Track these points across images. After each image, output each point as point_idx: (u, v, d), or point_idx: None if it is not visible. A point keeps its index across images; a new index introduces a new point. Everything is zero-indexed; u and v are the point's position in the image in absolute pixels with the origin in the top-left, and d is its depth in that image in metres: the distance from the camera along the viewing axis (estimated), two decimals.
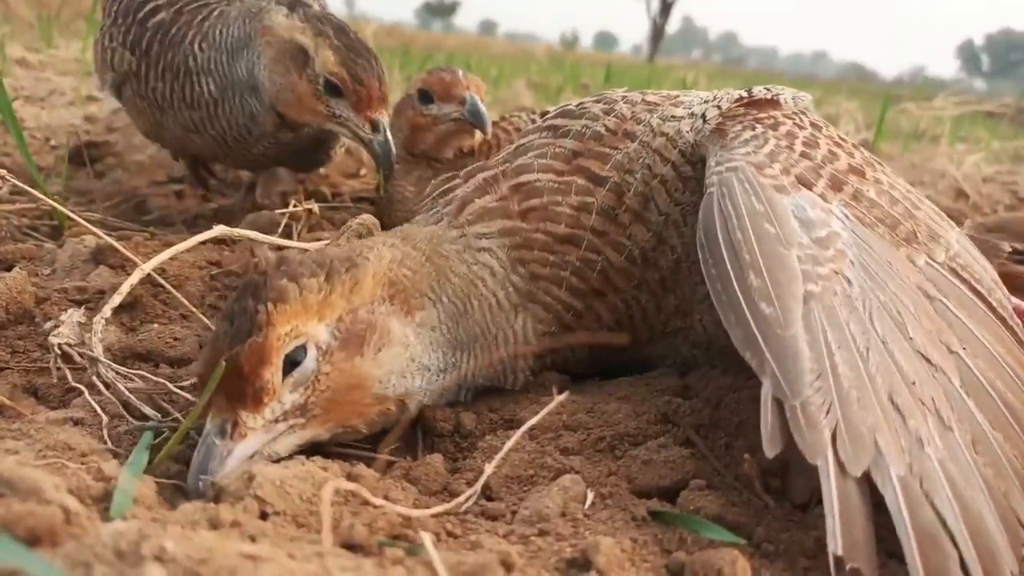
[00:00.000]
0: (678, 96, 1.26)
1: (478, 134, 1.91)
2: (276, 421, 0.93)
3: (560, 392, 1.18)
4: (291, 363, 0.93)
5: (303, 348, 0.94)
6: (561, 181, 1.15)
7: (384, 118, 1.67)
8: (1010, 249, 1.77)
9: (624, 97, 1.25)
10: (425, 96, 1.90)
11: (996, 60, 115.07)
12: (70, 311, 1.20)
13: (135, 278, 1.22)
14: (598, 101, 1.26)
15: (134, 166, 2.57)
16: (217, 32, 1.73)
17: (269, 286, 0.94)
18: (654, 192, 1.15)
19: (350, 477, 0.90)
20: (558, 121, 1.24)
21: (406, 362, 1.03)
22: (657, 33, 33.55)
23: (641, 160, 1.16)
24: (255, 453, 0.92)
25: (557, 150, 1.18)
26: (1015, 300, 1.59)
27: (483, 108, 1.85)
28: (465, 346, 1.10)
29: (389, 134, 1.66)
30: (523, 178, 1.16)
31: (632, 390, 1.16)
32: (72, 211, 1.88)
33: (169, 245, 1.65)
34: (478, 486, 0.93)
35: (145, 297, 1.44)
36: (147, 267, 1.23)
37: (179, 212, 2.10)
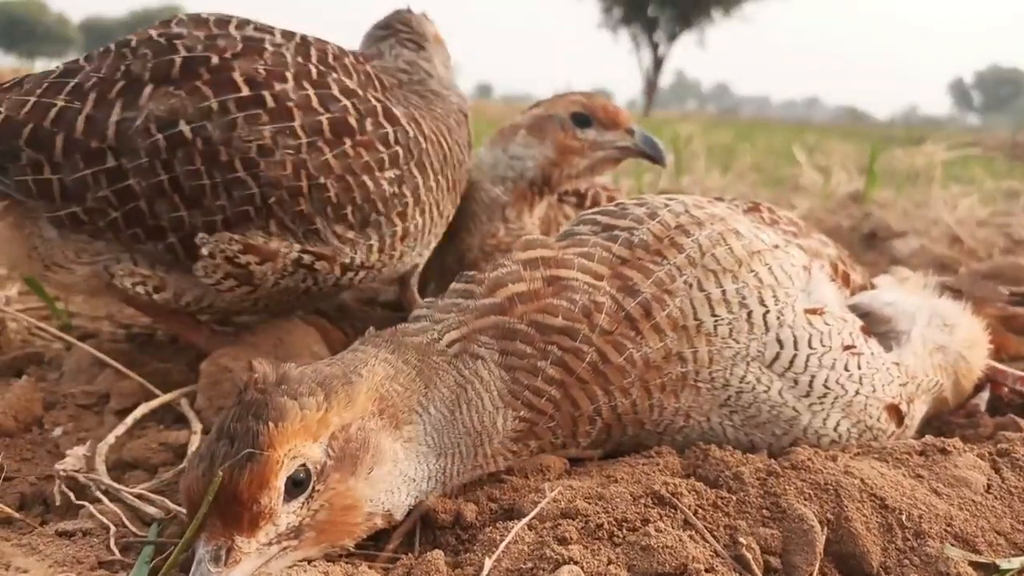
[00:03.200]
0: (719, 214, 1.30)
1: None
2: (270, 544, 0.93)
3: (559, 476, 1.21)
4: (292, 484, 0.93)
5: (303, 469, 0.94)
6: (595, 286, 1.18)
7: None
8: (1008, 293, 1.80)
9: (667, 205, 1.29)
10: (582, 120, 1.84)
11: (987, 96, 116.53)
12: (76, 448, 1.23)
13: (139, 412, 1.26)
14: (640, 205, 1.31)
15: None
16: None
17: (270, 405, 0.94)
18: (696, 304, 1.19)
19: None
20: (604, 219, 1.29)
21: (395, 478, 1.04)
22: (651, 87, 34.11)
23: (685, 278, 1.20)
24: None
25: (604, 254, 1.22)
26: (990, 363, 1.61)
27: (658, 140, 1.81)
28: (449, 451, 1.11)
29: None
30: (562, 272, 1.20)
31: (630, 471, 1.18)
32: (74, 312, 1.93)
33: (173, 341, 1.69)
34: None
35: (148, 398, 1.47)
36: (155, 403, 1.28)
37: None
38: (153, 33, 1.48)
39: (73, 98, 1.41)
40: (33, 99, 1.40)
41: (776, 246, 1.29)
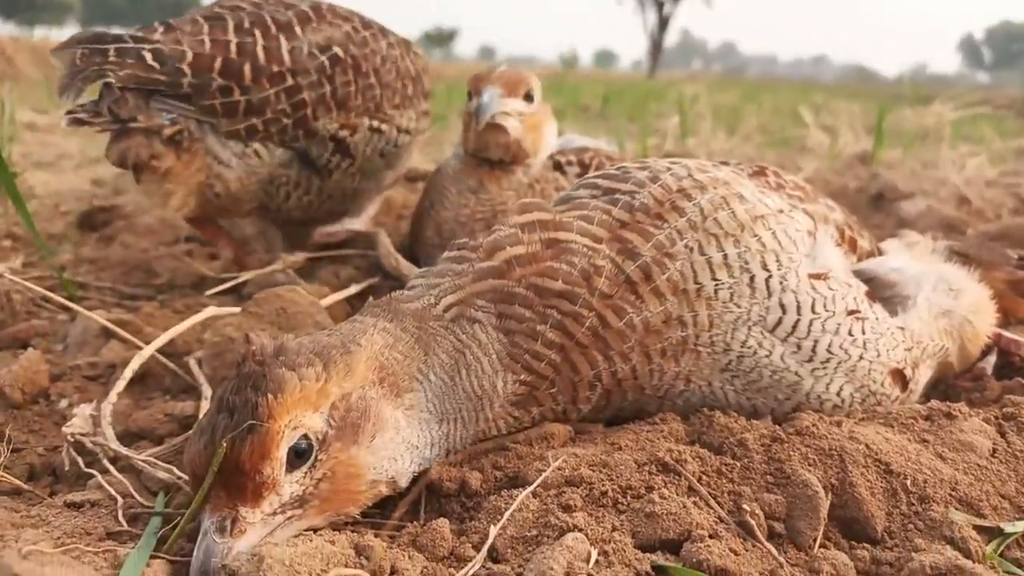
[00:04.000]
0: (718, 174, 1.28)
1: (513, 135, 1.85)
2: (274, 514, 0.94)
3: (563, 443, 1.21)
4: (294, 454, 0.94)
5: (304, 439, 0.95)
6: (594, 248, 1.18)
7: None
8: (1017, 257, 1.79)
9: (669, 169, 1.28)
10: (469, 93, 1.92)
11: (998, 53, 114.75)
12: (82, 406, 1.24)
13: (135, 363, 1.27)
14: (642, 168, 1.30)
15: (143, 228, 2.63)
16: None
17: (268, 376, 0.94)
18: (696, 268, 1.18)
19: (358, 550, 0.92)
20: (604, 183, 1.28)
21: (398, 445, 1.05)
22: (656, 48, 33.68)
23: (685, 242, 1.19)
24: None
25: (604, 217, 1.21)
26: (1001, 332, 1.60)
27: (488, 102, 1.80)
28: (451, 416, 1.12)
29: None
30: (561, 235, 1.19)
31: (634, 438, 1.18)
32: (81, 282, 1.93)
33: (177, 312, 1.70)
34: (484, 551, 0.94)
35: (155, 369, 1.48)
36: (147, 352, 1.28)
37: (187, 275, 2.14)
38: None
39: (242, 35, 1.79)
40: (207, 36, 1.76)
41: (780, 211, 1.27)
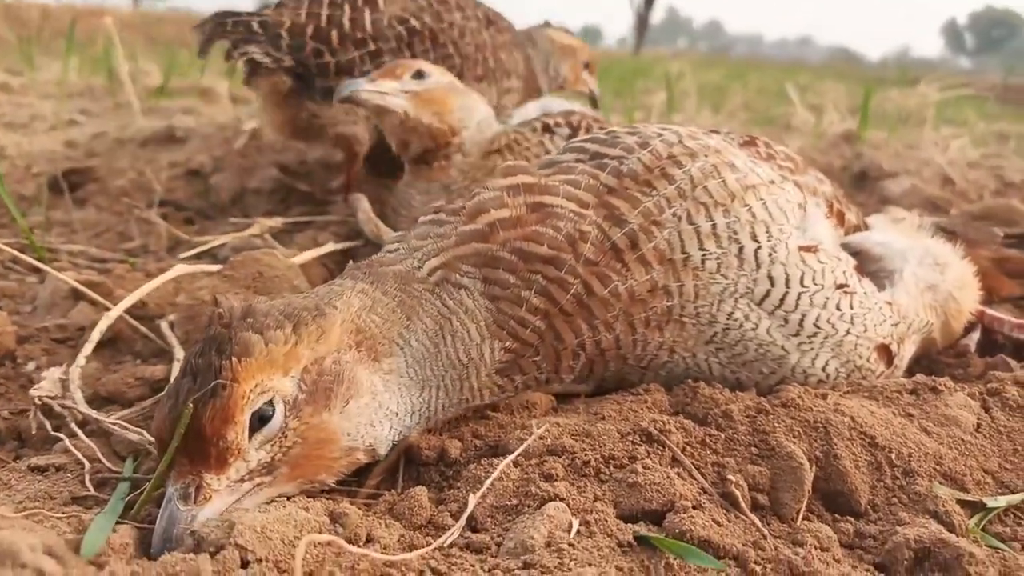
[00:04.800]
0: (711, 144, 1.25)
1: (399, 109, 1.80)
2: (241, 480, 0.91)
3: (545, 413, 1.19)
4: (258, 420, 0.90)
5: (270, 404, 0.91)
6: (580, 214, 1.14)
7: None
8: (1002, 235, 1.78)
9: (660, 135, 1.25)
10: None
11: (980, 38, 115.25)
12: (51, 369, 1.20)
13: (103, 324, 1.22)
14: (631, 133, 1.26)
15: (116, 191, 2.56)
16: None
17: (234, 339, 0.90)
18: (684, 237, 1.16)
19: (333, 517, 0.90)
20: (592, 147, 1.24)
21: (375, 411, 1.01)
22: (642, 24, 33.51)
23: (674, 210, 1.16)
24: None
25: (592, 182, 1.18)
26: (985, 309, 1.60)
27: (348, 82, 1.80)
28: (433, 384, 1.08)
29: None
30: (546, 199, 1.15)
31: (618, 408, 1.16)
32: (52, 246, 1.88)
33: (150, 275, 1.66)
34: (463, 520, 0.92)
35: (125, 332, 1.43)
36: (114, 312, 1.23)
37: (159, 237, 2.09)
38: None
39: (332, 9, 2.09)
40: (305, 10, 2.08)
41: (772, 181, 1.25)
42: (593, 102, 3.00)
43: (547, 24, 2.81)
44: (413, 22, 2.13)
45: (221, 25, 2.08)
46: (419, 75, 1.84)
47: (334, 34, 2.06)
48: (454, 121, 1.85)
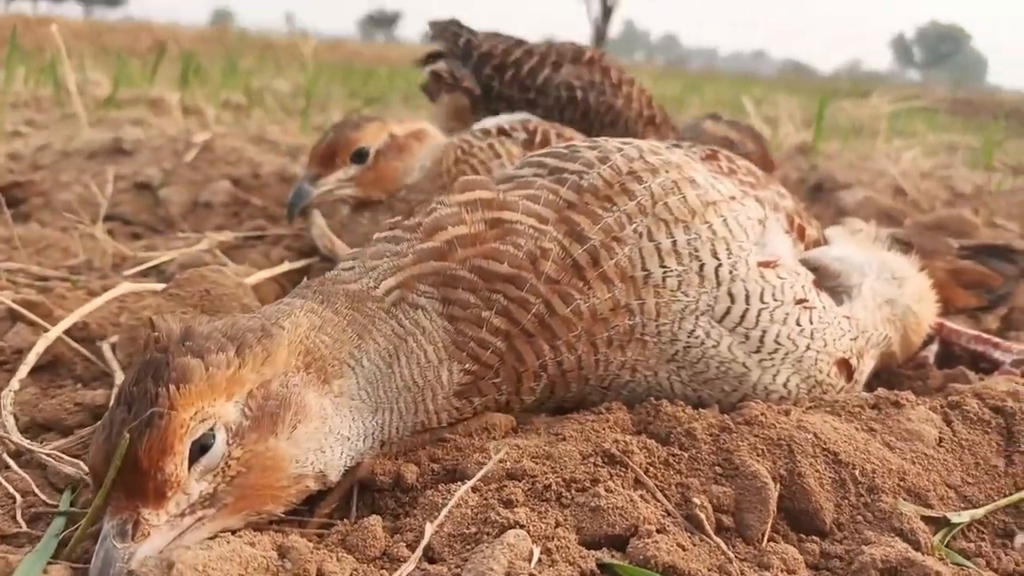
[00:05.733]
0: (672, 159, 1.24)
1: (352, 197, 1.92)
2: (182, 515, 0.86)
3: (505, 434, 1.15)
4: (198, 449, 0.86)
5: (211, 432, 0.86)
6: (541, 230, 1.11)
7: None
8: (957, 246, 1.80)
9: (620, 149, 1.22)
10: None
11: (928, 51, 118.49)
12: None
13: (41, 347, 1.16)
14: (592, 147, 1.23)
15: (61, 205, 2.47)
16: None
17: (171, 365, 0.85)
18: (645, 254, 1.14)
19: (281, 551, 0.85)
20: (551, 162, 1.22)
21: (325, 435, 0.97)
22: (600, 38, 33.85)
23: (635, 227, 1.14)
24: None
25: (551, 198, 1.15)
26: (944, 322, 1.61)
27: (298, 190, 1.86)
28: (386, 406, 1.04)
29: None
30: (505, 215, 1.12)
31: (579, 428, 1.13)
32: None
33: (92, 294, 1.59)
34: (419, 551, 0.88)
35: (66, 355, 1.37)
36: (53, 333, 1.17)
37: (104, 254, 2.01)
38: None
39: (525, 55, 2.42)
40: (503, 45, 2.43)
41: (732, 197, 1.23)
42: None
43: (714, 116, 2.95)
44: (577, 94, 2.41)
45: (447, 28, 2.45)
46: (358, 157, 1.87)
47: (509, 73, 2.39)
48: (400, 182, 1.92)
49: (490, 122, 2.17)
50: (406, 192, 1.91)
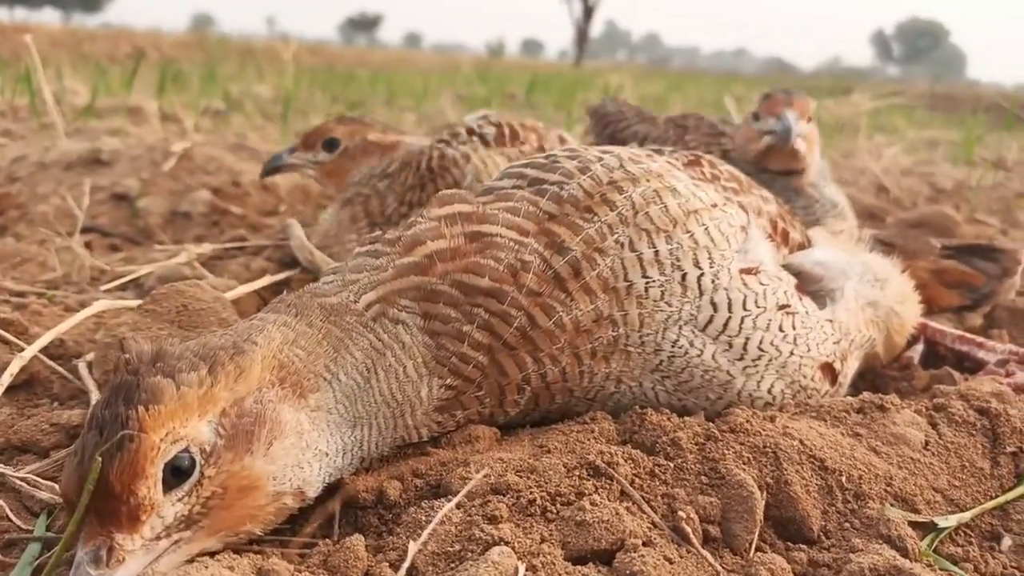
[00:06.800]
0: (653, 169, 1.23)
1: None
2: (157, 538, 0.84)
3: (489, 447, 1.14)
4: (171, 471, 0.84)
5: (185, 452, 0.85)
6: (521, 242, 1.10)
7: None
8: (940, 246, 1.80)
9: (600, 159, 1.21)
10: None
11: (907, 47, 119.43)
12: None
13: (15, 366, 1.14)
14: (571, 158, 1.22)
15: (39, 217, 2.44)
16: None
17: (141, 386, 0.84)
18: (627, 264, 1.13)
19: (261, 573, 0.83)
20: (531, 172, 1.20)
21: (302, 451, 0.95)
22: (582, 38, 33.91)
23: (616, 237, 1.13)
24: None
25: (532, 209, 1.14)
26: (928, 322, 1.61)
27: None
28: (365, 421, 1.03)
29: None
30: (485, 228, 1.11)
31: (564, 439, 1.11)
32: None
33: (69, 310, 1.56)
34: (403, 571, 0.87)
35: (42, 373, 1.34)
36: (28, 352, 1.15)
37: (81, 268, 1.98)
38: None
39: (631, 121, 2.51)
40: (614, 108, 2.62)
41: (714, 204, 1.22)
42: None
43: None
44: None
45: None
46: (329, 146, 2.03)
47: (611, 127, 2.56)
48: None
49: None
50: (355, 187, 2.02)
